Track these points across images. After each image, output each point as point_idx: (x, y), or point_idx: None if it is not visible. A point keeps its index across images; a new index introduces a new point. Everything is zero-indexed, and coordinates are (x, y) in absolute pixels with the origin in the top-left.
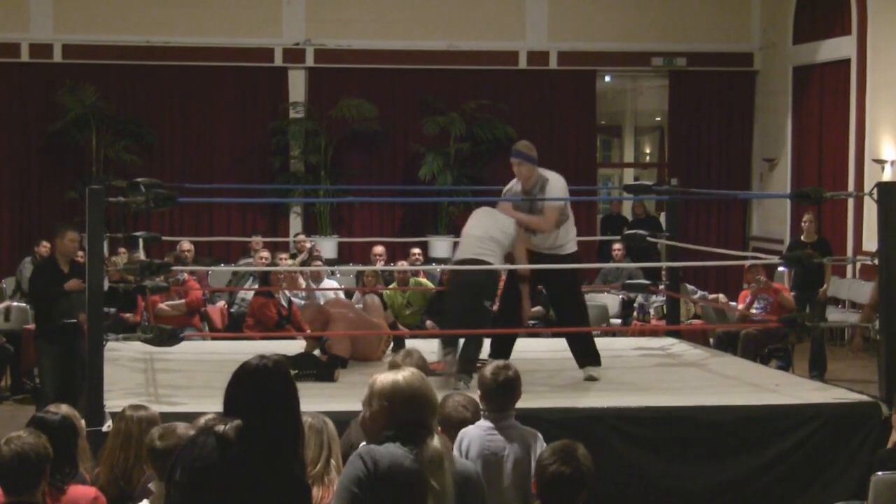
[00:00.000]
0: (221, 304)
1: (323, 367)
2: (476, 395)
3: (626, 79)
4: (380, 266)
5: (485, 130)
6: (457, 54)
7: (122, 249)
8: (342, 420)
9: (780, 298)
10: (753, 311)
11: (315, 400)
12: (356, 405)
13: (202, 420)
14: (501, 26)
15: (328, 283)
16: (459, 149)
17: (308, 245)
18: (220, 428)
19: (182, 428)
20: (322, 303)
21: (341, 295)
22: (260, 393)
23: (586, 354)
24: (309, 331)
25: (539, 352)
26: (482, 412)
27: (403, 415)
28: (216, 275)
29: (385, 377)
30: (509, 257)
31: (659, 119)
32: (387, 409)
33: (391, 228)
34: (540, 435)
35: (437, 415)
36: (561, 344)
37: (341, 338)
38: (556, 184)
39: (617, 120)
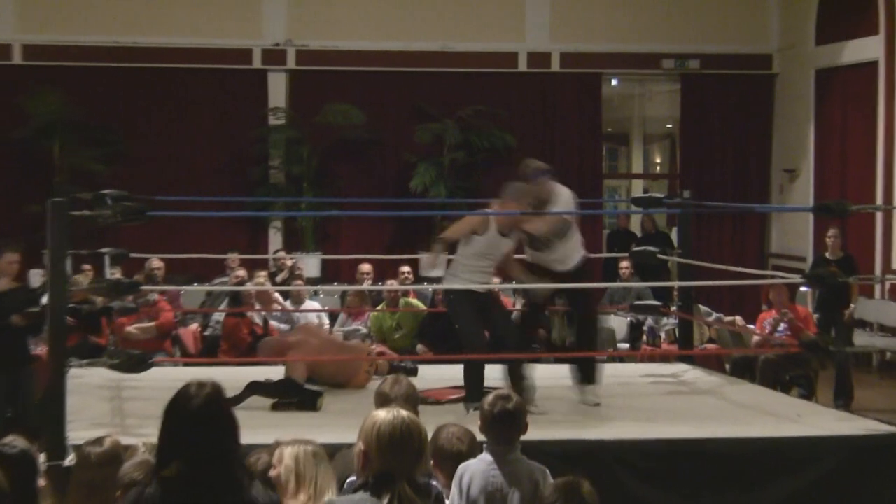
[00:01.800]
0: (195, 326)
1: (305, 396)
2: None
3: (634, 82)
4: (367, 285)
5: (481, 138)
6: (451, 56)
7: (86, 267)
8: (327, 453)
9: (801, 321)
10: (775, 334)
11: (297, 431)
12: (341, 436)
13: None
14: (499, 26)
15: (310, 304)
16: (454, 158)
17: (289, 263)
18: (166, 472)
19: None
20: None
21: (324, 317)
22: (201, 427)
23: (587, 374)
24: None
25: (540, 378)
26: (484, 445)
27: (378, 461)
28: (189, 295)
29: (371, 417)
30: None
31: (670, 126)
32: (363, 454)
33: (380, 245)
34: (548, 471)
35: (423, 457)
36: (563, 370)
37: (298, 364)
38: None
39: (624, 127)
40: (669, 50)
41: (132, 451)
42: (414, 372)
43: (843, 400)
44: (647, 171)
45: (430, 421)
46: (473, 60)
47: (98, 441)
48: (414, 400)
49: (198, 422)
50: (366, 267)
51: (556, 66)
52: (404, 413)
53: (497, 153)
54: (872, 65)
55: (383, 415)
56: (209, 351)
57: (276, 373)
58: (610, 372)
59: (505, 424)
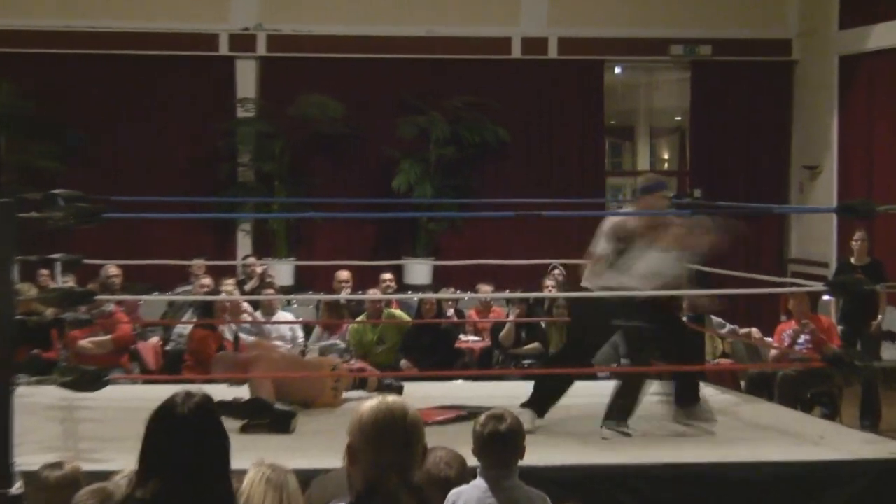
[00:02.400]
0: (155, 340)
1: (277, 416)
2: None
3: (639, 71)
4: (346, 295)
5: (472, 132)
6: (438, 42)
7: (45, 272)
8: (301, 480)
9: (823, 333)
10: (795, 348)
11: (269, 454)
12: (317, 460)
13: (117, 479)
14: (491, 9)
15: (283, 315)
16: (441, 154)
17: (259, 270)
18: (139, 494)
19: (113, 486)
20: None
21: (298, 330)
22: (189, 441)
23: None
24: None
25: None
26: (478, 470)
27: (364, 453)
28: (149, 305)
29: (357, 408)
30: None
31: (679, 118)
32: (348, 449)
33: (360, 250)
34: (548, 499)
35: (415, 446)
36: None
37: (262, 379)
38: None
39: (629, 120)
40: (678, 35)
41: (108, 483)
42: (399, 390)
43: (870, 420)
44: (654, 168)
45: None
46: (462, 47)
47: (57, 465)
48: None
49: (184, 433)
50: (344, 274)
51: (553, 52)
52: (390, 398)
53: (489, 148)
54: None
55: (368, 403)
56: (171, 367)
57: (242, 392)
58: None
59: (498, 447)
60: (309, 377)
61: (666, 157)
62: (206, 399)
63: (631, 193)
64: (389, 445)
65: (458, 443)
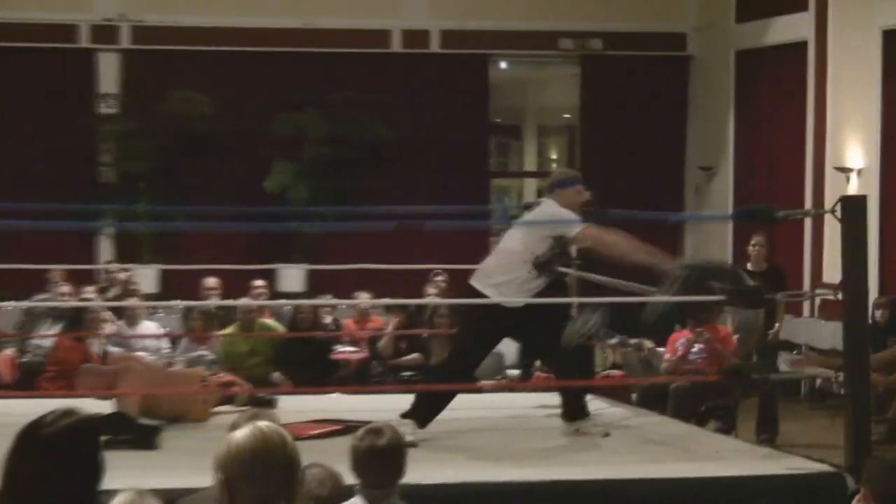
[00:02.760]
0: (10, 352)
1: (141, 432)
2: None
3: (527, 66)
4: (214, 302)
5: (350, 131)
6: (315, 34)
7: None
8: (166, 500)
9: (719, 343)
10: (689, 358)
11: (133, 473)
12: (185, 479)
13: None
14: None
15: (147, 325)
16: (318, 154)
17: (122, 276)
18: None
19: None
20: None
21: (163, 340)
22: (54, 467)
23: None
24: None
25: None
26: (356, 488)
27: (246, 487)
28: (3, 314)
29: (227, 439)
30: None
31: (568, 116)
32: (225, 485)
33: (230, 254)
34: None
35: (296, 473)
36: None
37: (128, 395)
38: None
39: (516, 118)
40: (568, 28)
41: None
42: (272, 404)
43: (768, 434)
44: (542, 169)
45: None
46: (340, 39)
47: None
48: None
49: (48, 458)
50: (211, 281)
51: (435, 46)
52: (261, 424)
53: (368, 148)
54: (801, 45)
55: (240, 432)
56: (27, 380)
57: (108, 407)
58: (499, 403)
59: (376, 464)
60: (180, 390)
61: (554, 157)
62: (83, 420)
63: (531, 195)
64: (273, 476)
65: (334, 459)
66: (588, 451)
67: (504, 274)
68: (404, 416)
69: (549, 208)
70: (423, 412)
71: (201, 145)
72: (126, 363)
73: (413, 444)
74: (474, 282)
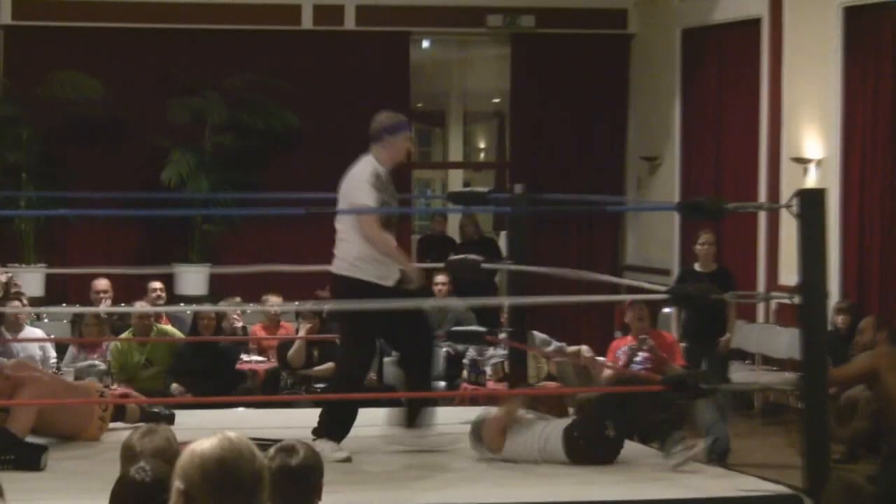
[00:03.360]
0: None
1: (25, 451)
2: None
3: (451, 45)
4: (105, 307)
5: (254, 117)
6: (215, 9)
7: None
8: None
9: (664, 350)
10: (632, 367)
11: (14, 497)
12: (72, 502)
13: None
14: None
15: (32, 331)
16: (219, 143)
17: (3, 278)
18: None
19: None
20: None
21: (49, 348)
22: None
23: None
24: None
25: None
26: None
27: (208, 500)
28: None
29: (191, 447)
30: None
31: (497, 101)
32: (183, 496)
33: (122, 255)
34: None
35: (262, 490)
36: (358, 416)
37: (25, 408)
38: None
39: (439, 102)
40: (497, 3)
41: None
42: (170, 419)
43: (718, 452)
44: (468, 160)
45: None
46: (244, 15)
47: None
48: (171, 454)
49: None
50: (102, 283)
51: (350, 22)
52: (232, 434)
53: (275, 136)
54: (754, 23)
55: (207, 440)
56: None
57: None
58: None
59: (289, 485)
60: (75, 406)
61: (482, 146)
62: None
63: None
64: (239, 492)
65: None
66: (519, 470)
67: (354, 252)
68: (317, 434)
69: (361, 170)
70: (337, 427)
71: (89, 132)
72: (26, 372)
73: (348, 460)
74: (335, 269)
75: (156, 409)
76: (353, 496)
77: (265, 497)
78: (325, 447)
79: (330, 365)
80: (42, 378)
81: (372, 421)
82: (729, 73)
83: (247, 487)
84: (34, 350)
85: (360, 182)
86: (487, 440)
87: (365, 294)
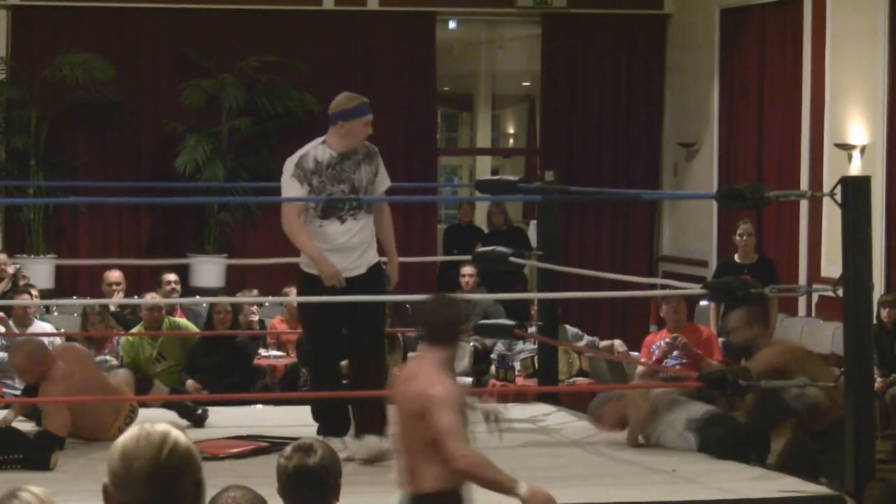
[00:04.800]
0: None
1: (33, 449)
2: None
3: (479, 25)
4: (118, 300)
5: (273, 101)
6: None
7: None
8: None
9: (701, 346)
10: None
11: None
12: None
13: None
14: None
15: (40, 325)
16: (236, 128)
17: (11, 269)
18: None
19: None
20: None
21: (58, 343)
22: None
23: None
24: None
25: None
26: None
27: (114, 497)
28: None
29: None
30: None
31: (527, 84)
32: (105, 494)
33: (135, 246)
34: None
35: (185, 482)
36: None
37: (59, 407)
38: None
39: (466, 85)
40: None
41: None
42: (202, 418)
43: (758, 452)
44: (497, 146)
45: (208, 483)
46: None
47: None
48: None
49: None
50: (114, 275)
51: (374, 2)
52: (159, 425)
53: (294, 120)
54: (796, 3)
55: (129, 431)
56: None
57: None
58: None
59: (307, 485)
60: (101, 406)
61: (511, 131)
62: None
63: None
64: (139, 482)
65: (258, 482)
66: (549, 471)
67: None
68: (323, 434)
69: (289, 161)
70: (335, 421)
71: (100, 117)
72: (69, 364)
73: (352, 459)
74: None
75: (189, 405)
76: (374, 497)
77: (187, 488)
78: (334, 445)
79: None
80: (72, 376)
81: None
82: (770, 55)
83: (147, 481)
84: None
85: (284, 175)
86: (608, 420)
87: (312, 287)
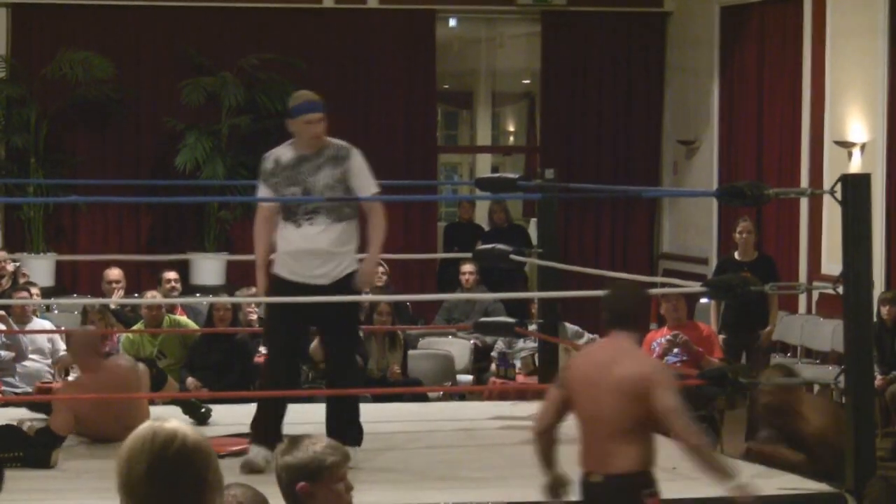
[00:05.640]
0: None
1: (33, 447)
2: None
3: (479, 23)
4: (117, 298)
5: (272, 99)
6: None
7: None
8: None
9: (701, 344)
10: (666, 360)
11: (19, 496)
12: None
13: None
14: None
15: (40, 322)
16: (235, 125)
17: (10, 267)
18: None
19: None
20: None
21: (58, 340)
22: None
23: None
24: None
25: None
26: None
27: (122, 500)
28: None
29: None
30: None
31: (527, 82)
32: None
33: (135, 243)
34: None
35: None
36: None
37: (66, 408)
38: (359, 155)
39: (466, 83)
40: None
41: None
42: (205, 416)
43: None
44: (496, 144)
45: None
46: None
47: None
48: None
49: None
50: (114, 273)
51: (373, 0)
52: (170, 423)
53: None
54: (796, 0)
55: (141, 428)
56: None
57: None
58: (448, 414)
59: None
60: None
61: (511, 129)
62: None
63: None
64: (138, 485)
65: (259, 479)
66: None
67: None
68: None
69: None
70: (271, 431)
71: (100, 115)
72: (109, 371)
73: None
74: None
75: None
76: (382, 495)
77: (206, 493)
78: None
79: None
80: (82, 384)
81: (397, 416)
82: (770, 52)
83: (165, 477)
84: (43, 343)
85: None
86: None
87: (276, 289)
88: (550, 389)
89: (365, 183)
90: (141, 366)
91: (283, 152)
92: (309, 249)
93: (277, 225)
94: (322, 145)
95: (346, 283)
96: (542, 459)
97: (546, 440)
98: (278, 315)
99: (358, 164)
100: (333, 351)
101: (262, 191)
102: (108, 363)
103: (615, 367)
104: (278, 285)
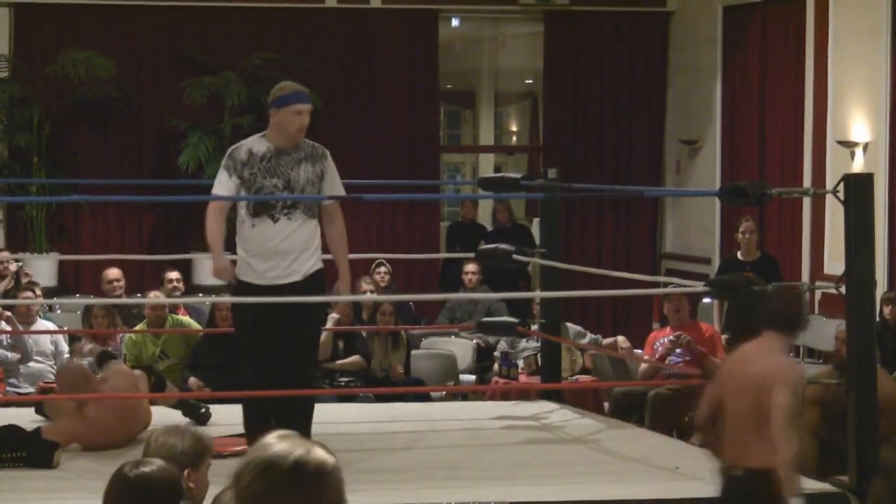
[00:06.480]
0: None
1: (36, 448)
2: None
3: (482, 23)
4: (120, 300)
5: None
6: None
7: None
8: None
9: (704, 344)
10: (669, 360)
11: (21, 495)
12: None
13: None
14: None
15: (43, 323)
16: (238, 124)
17: (13, 267)
18: None
19: None
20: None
21: (62, 341)
22: None
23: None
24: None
25: (354, 422)
26: None
27: None
28: None
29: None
30: None
31: (530, 82)
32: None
33: (137, 242)
34: None
35: None
36: (383, 411)
37: (64, 432)
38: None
39: (469, 83)
40: None
41: None
42: (205, 417)
43: None
44: (499, 143)
45: (211, 481)
46: None
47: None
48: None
49: None
50: (113, 272)
51: (377, 0)
52: (306, 442)
53: None
54: (799, 2)
55: (276, 446)
56: None
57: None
58: (450, 414)
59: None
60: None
61: (514, 129)
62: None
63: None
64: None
65: None
66: (553, 468)
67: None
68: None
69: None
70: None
71: (102, 115)
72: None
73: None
74: None
75: (193, 403)
76: (384, 495)
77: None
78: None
79: (355, 358)
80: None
81: (399, 416)
82: (772, 52)
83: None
84: (46, 344)
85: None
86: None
87: (238, 294)
88: (708, 385)
89: (336, 185)
90: (138, 372)
91: (256, 144)
92: (286, 248)
93: (239, 222)
94: (299, 140)
95: (316, 279)
96: (706, 449)
97: (707, 433)
98: (252, 325)
99: (332, 166)
100: (294, 343)
101: (227, 180)
102: (105, 388)
103: (753, 364)
104: (248, 292)
